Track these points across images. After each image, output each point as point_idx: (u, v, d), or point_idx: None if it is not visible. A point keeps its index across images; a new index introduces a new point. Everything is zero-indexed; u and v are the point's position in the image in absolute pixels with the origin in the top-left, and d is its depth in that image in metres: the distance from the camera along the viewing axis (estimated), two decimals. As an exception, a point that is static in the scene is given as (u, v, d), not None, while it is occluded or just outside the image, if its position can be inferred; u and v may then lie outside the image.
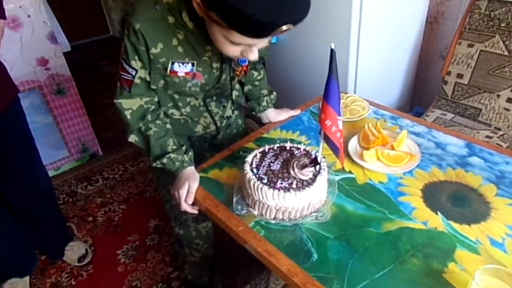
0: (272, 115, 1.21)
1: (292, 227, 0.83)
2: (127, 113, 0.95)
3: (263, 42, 0.77)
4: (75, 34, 3.99)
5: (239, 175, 0.93)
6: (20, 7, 1.75)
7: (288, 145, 0.92)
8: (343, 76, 1.70)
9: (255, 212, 0.86)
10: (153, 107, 0.97)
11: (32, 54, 1.88)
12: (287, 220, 0.84)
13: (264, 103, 1.20)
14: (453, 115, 1.72)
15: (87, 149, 2.36)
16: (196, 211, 0.96)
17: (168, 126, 1.00)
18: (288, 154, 0.89)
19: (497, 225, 0.79)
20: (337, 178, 0.94)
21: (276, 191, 0.80)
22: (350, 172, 0.97)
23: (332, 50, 0.64)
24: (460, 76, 1.69)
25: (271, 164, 0.86)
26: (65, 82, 2.05)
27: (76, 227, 1.93)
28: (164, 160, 0.95)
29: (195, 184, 0.93)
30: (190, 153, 0.99)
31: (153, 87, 0.94)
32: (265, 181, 0.82)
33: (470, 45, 1.64)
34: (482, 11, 1.59)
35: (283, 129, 1.15)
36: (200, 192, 0.95)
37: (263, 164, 0.87)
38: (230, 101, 1.11)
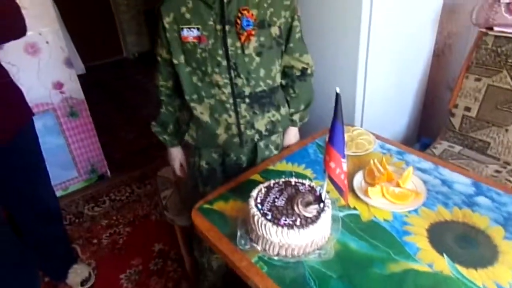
0: (286, 136, 1.30)
1: (295, 264, 0.82)
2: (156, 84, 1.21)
3: None
4: (90, 56, 4.10)
5: (244, 209, 0.93)
6: (40, 33, 1.82)
7: (293, 180, 0.92)
8: (350, 106, 1.72)
9: (259, 248, 0.85)
10: (165, 90, 1.19)
11: (48, 78, 1.94)
12: (290, 256, 0.83)
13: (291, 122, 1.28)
14: (461, 147, 1.72)
15: (96, 170, 2.39)
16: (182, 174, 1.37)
17: (177, 114, 1.25)
18: (293, 190, 0.90)
19: (505, 270, 0.78)
20: (341, 214, 0.94)
21: (280, 228, 0.80)
22: (354, 208, 0.96)
23: (337, 94, 0.65)
24: (467, 109, 1.69)
25: (276, 200, 0.87)
26: (78, 105, 2.11)
27: (80, 249, 1.94)
28: (159, 137, 1.28)
29: (182, 160, 1.35)
30: (182, 137, 1.24)
31: (176, 61, 1.08)
32: (269, 217, 0.82)
33: (478, 79, 1.65)
34: (489, 46, 1.61)
35: (289, 162, 1.16)
36: (205, 224, 0.95)
37: (267, 200, 0.87)
38: (266, 111, 1.15)
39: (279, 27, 1.07)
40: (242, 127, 1.13)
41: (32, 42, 1.81)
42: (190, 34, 1.03)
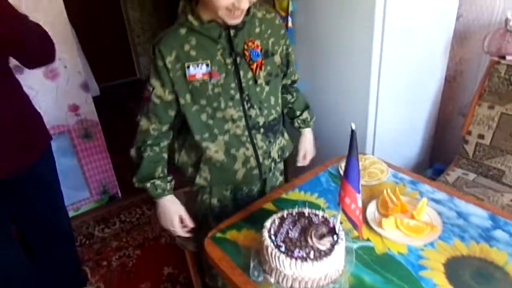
0: (301, 139, 1.32)
1: (309, 298, 0.81)
2: (139, 129, 1.09)
3: None
4: (105, 76, 4.21)
5: (257, 239, 0.93)
6: (59, 59, 1.89)
7: (306, 211, 0.92)
8: (362, 133, 1.72)
9: (272, 280, 0.85)
10: (156, 134, 1.09)
11: (65, 101, 1.99)
12: (304, 290, 0.82)
13: (296, 124, 1.31)
14: (475, 175, 1.69)
15: (107, 191, 2.41)
16: (188, 235, 1.13)
17: (165, 155, 1.12)
18: (307, 221, 0.89)
19: (525, 310, 0.75)
20: (354, 246, 0.93)
21: (294, 260, 0.80)
22: (368, 240, 0.95)
23: (352, 130, 0.66)
24: (481, 136, 1.68)
25: (289, 231, 0.87)
26: (92, 127, 2.15)
27: (90, 271, 1.93)
28: (148, 184, 1.08)
29: (182, 213, 1.11)
30: (173, 183, 1.12)
31: (183, 102, 1.03)
32: (282, 249, 0.82)
33: (491, 107, 1.65)
34: (502, 75, 1.61)
35: (302, 190, 1.16)
36: (217, 253, 0.95)
37: (281, 231, 0.87)
38: (277, 138, 1.17)
39: (280, 54, 1.11)
40: (260, 158, 1.13)
41: (52, 67, 1.87)
42: (198, 71, 0.99)
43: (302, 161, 1.29)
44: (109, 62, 4.38)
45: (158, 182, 1.08)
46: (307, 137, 1.34)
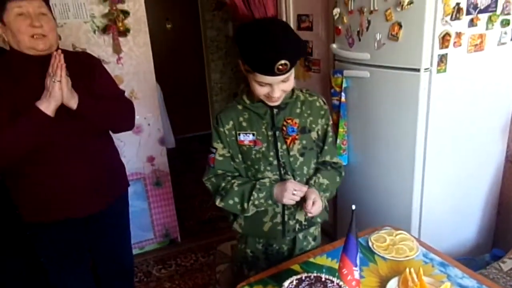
0: (310, 189, 1.23)
1: None
2: (209, 188, 1.28)
3: (278, 81, 1.10)
4: (181, 129, 4.72)
5: (277, 297, 1.03)
6: (145, 118, 2.29)
7: (324, 276, 1.00)
8: (407, 210, 1.75)
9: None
10: (231, 175, 1.25)
11: (145, 153, 2.37)
12: None
13: (311, 182, 1.27)
14: (534, 266, 1.58)
15: (169, 234, 2.67)
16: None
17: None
18: (322, 286, 0.98)
19: None
20: (369, 318, 0.98)
21: (303, 320, 0.89)
22: (384, 314, 0.99)
23: (353, 211, 0.78)
24: (540, 225, 1.58)
25: (304, 293, 0.96)
26: (163, 176, 2.48)
27: (143, 307, 2.13)
28: (255, 194, 1.20)
29: (291, 183, 1.18)
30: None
31: (237, 160, 1.25)
32: (294, 308, 0.92)
33: (550, 195, 1.57)
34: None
35: (329, 257, 1.24)
36: (242, 305, 1.07)
37: (296, 292, 0.97)
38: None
39: (317, 132, 1.28)
40: (286, 217, 1.28)
41: (138, 124, 2.26)
42: (246, 138, 1.23)
43: (309, 209, 1.16)
44: (187, 115, 4.92)
45: (258, 186, 1.21)
46: (316, 191, 1.24)
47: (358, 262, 0.82)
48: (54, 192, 1.40)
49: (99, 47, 2.12)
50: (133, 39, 2.20)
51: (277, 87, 1.12)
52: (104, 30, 2.11)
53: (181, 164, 4.18)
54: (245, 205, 1.21)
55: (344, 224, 1.80)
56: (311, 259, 1.24)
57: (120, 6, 2.11)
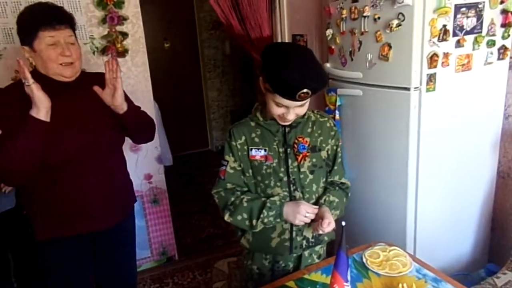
0: (323, 208, 1.27)
1: None
2: (218, 200, 1.31)
3: (296, 105, 1.16)
4: (179, 147, 4.75)
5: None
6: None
7: (317, 293, 1.03)
8: (401, 226, 1.76)
9: None
10: (240, 190, 1.28)
11: (142, 171, 2.39)
12: None
13: (321, 201, 1.30)
14: (528, 281, 1.59)
15: (166, 252, 2.66)
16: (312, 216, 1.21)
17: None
18: (316, 303, 1.00)
19: None
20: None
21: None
22: (377, 330, 1.00)
23: (343, 227, 0.80)
24: (532, 239, 1.61)
25: (298, 310, 0.98)
26: (160, 194, 2.49)
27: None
28: (265, 212, 1.22)
29: (304, 205, 1.21)
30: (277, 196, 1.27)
31: (247, 174, 1.29)
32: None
33: (540, 210, 1.60)
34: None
35: (324, 273, 1.25)
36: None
37: (291, 308, 0.98)
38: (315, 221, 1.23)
39: (327, 151, 1.33)
40: (294, 233, 1.31)
41: (136, 142, 2.30)
42: (258, 153, 1.28)
43: (325, 227, 1.17)
44: (185, 133, 4.96)
45: (268, 204, 1.23)
46: (329, 210, 1.28)
47: (348, 277, 0.84)
48: (71, 206, 1.42)
49: (98, 67, 2.17)
50: (131, 59, 2.26)
51: (293, 110, 1.18)
52: (103, 51, 2.17)
53: (178, 182, 4.19)
54: (254, 221, 1.24)
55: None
56: (306, 276, 1.25)
57: (119, 28, 2.17)
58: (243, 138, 1.29)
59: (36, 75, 1.32)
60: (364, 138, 1.93)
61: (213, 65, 4.99)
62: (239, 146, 1.29)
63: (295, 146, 1.27)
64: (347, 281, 0.81)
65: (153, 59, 2.71)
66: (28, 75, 1.22)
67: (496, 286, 1.59)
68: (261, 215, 1.22)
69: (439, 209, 1.80)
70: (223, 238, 2.98)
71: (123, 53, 2.21)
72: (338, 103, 2.05)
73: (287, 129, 1.28)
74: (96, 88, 1.39)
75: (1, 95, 1.36)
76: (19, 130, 1.25)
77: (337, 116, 2.07)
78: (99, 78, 1.49)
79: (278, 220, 1.24)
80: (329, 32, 2.03)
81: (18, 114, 1.27)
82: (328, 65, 2.12)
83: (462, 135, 1.76)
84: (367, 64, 1.78)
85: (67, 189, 1.40)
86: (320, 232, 1.19)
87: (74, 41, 1.37)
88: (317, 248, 1.40)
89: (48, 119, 1.27)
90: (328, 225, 1.17)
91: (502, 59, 1.74)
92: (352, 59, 1.88)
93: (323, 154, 1.33)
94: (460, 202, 1.86)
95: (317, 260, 1.41)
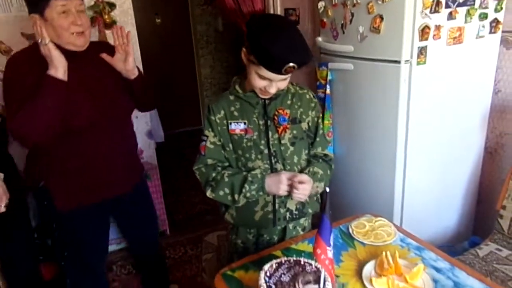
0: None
1: None
2: (199, 176, 1.30)
3: (279, 79, 1.14)
4: (171, 124, 4.71)
5: (257, 279, 1.06)
6: (137, 117, 2.28)
7: (303, 260, 1.03)
8: (389, 198, 1.79)
9: (263, 317, 0.96)
10: (221, 166, 1.27)
11: (132, 145, 2.36)
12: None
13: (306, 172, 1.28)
14: (510, 252, 1.63)
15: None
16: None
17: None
18: (300, 269, 1.01)
19: None
20: (346, 299, 1.01)
21: (280, 300, 0.92)
22: (360, 296, 1.03)
23: (327, 193, 0.81)
24: (516, 212, 1.64)
25: (283, 276, 0.99)
26: (152, 170, 2.48)
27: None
28: (246, 187, 1.21)
29: (285, 174, 1.20)
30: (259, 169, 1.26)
31: (227, 149, 1.28)
32: (272, 289, 0.95)
33: (525, 183, 1.62)
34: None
35: (310, 243, 1.27)
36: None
37: (275, 274, 0.99)
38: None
39: (308, 123, 1.31)
40: (276, 205, 1.31)
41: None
42: (237, 127, 1.26)
43: (299, 186, 1.16)
44: (178, 111, 4.91)
45: (250, 178, 1.22)
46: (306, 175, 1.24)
47: (331, 242, 0.85)
48: (95, 173, 1.46)
49: (85, 39, 2.12)
50: (119, 32, 2.20)
51: (275, 83, 1.16)
52: (90, 22, 2.10)
53: (170, 159, 4.18)
54: (236, 196, 1.23)
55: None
56: (293, 246, 1.27)
57: (106, -2, 2.11)
58: (222, 112, 1.27)
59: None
60: (354, 112, 1.93)
61: (206, 42, 4.90)
62: (218, 121, 1.27)
63: (275, 118, 1.26)
64: (329, 246, 0.82)
65: (145, 35, 2.65)
66: (45, 34, 1.24)
67: (478, 256, 1.64)
68: (243, 190, 1.22)
69: (427, 182, 1.83)
70: (213, 214, 3.00)
71: (110, 24, 2.15)
72: (329, 78, 2.04)
73: (267, 101, 1.26)
74: (105, 56, 1.39)
75: (18, 64, 1.35)
76: (39, 90, 1.26)
77: (328, 91, 2.06)
78: (102, 47, 1.50)
79: (261, 193, 1.23)
80: (321, 4, 1.99)
81: (36, 82, 1.28)
82: (319, 39, 2.09)
83: (451, 109, 1.76)
84: (359, 37, 1.75)
85: (90, 156, 1.44)
86: (296, 196, 1.17)
87: (84, 10, 1.37)
88: (302, 220, 1.41)
89: (65, 79, 1.29)
90: (301, 185, 1.15)
91: (494, 32, 1.73)
92: (343, 32, 1.86)
93: (304, 125, 1.31)
94: (448, 176, 1.89)
95: (301, 233, 1.41)
